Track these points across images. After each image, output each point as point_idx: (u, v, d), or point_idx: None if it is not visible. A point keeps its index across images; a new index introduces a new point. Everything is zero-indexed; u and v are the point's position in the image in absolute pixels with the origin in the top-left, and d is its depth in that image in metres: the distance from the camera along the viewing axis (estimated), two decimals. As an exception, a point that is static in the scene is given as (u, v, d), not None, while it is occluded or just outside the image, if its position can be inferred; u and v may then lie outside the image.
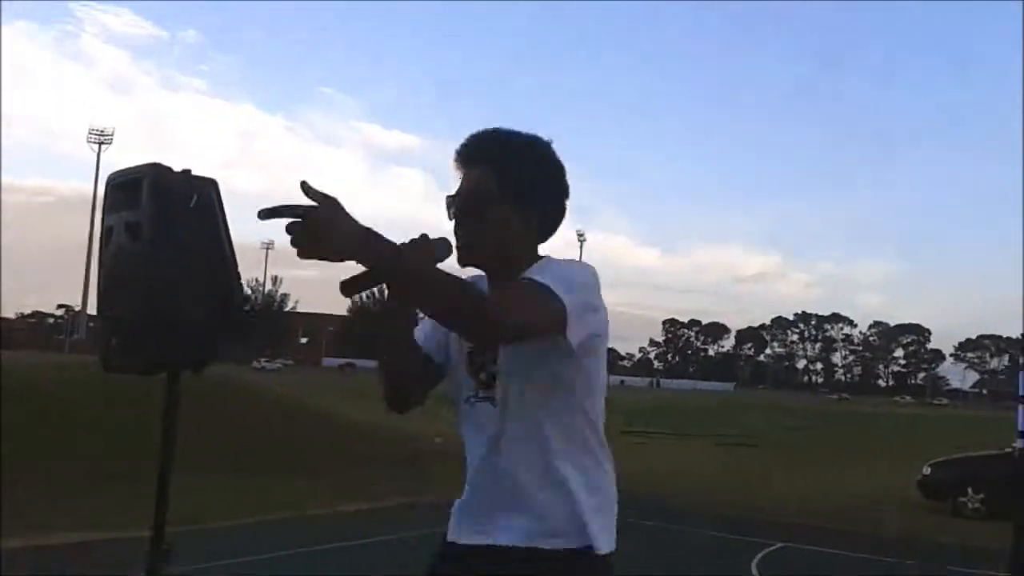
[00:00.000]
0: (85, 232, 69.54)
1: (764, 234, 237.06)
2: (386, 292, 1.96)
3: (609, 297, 2.03)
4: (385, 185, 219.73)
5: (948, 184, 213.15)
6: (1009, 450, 12.17)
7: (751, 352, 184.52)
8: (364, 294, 1.87)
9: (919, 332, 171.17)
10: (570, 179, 2.13)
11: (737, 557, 10.27)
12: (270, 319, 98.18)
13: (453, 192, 2.07)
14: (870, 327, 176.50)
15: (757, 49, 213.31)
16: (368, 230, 1.66)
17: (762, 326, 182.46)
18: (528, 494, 2.00)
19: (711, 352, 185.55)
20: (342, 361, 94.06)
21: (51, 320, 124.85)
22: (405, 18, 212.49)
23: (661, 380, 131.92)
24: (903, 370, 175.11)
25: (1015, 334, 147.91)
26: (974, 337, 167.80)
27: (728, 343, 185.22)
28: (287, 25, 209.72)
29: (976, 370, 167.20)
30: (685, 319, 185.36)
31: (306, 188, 1.65)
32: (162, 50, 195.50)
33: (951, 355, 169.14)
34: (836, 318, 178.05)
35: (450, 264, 1.92)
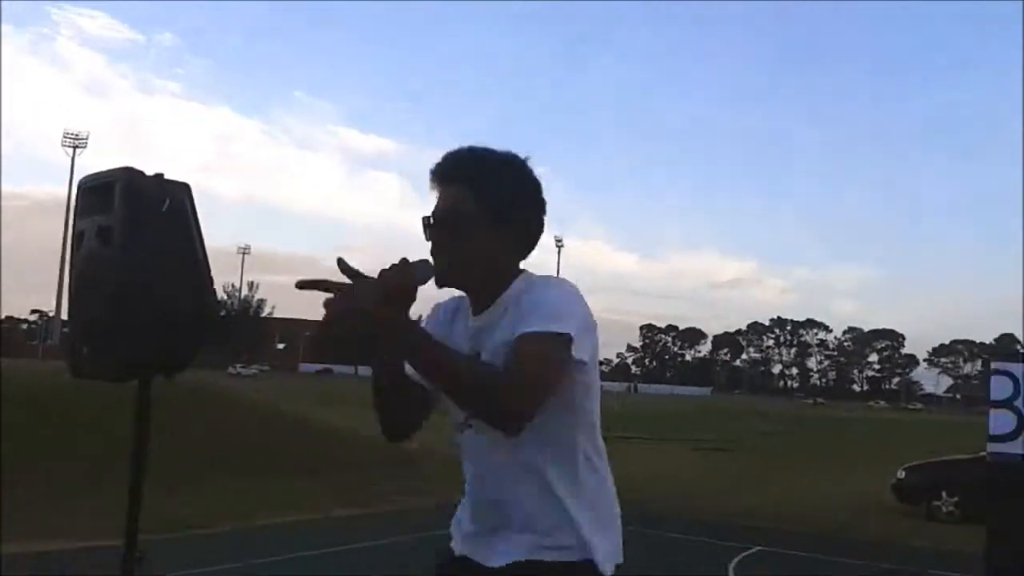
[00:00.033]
0: (59, 237, 69.04)
1: (740, 240, 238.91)
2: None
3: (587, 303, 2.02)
4: (362, 189, 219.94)
5: (923, 191, 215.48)
6: (983, 454, 12.27)
7: (727, 357, 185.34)
8: None
9: (893, 337, 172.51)
10: (548, 182, 2.12)
11: (714, 561, 10.29)
12: (246, 324, 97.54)
13: (429, 212, 2.04)
14: (845, 332, 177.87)
15: (735, 52, 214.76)
16: (396, 313, 1.71)
17: (738, 331, 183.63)
18: (526, 511, 2.00)
19: (688, 357, 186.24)
20: (319, 367, 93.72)
21: (24, 326, 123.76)
22: (382, 23, 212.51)
23: (638, 385, 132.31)
24: (877, 375, 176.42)
25: (988, 339, 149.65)
26: (948, 342, 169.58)
27: (705, 348, 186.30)
28: (263, 29, 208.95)
29: (950, 375, 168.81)
30: (662, 324, 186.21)
31: (343, 266, 1.73)
32: (138, 53, 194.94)
33: (925, 360, 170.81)
34: (811, 323, 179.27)
35: (430, 286, 1.92)
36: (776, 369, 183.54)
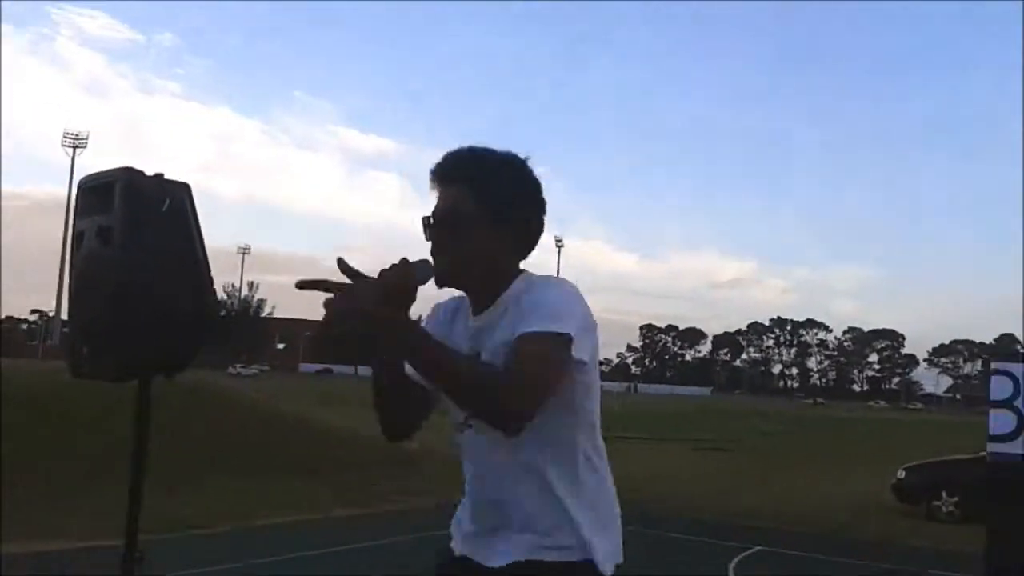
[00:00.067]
0: (59, 237, 69.05)
1: (740, 240, 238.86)
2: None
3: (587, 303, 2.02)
4: (362, 189, 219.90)
5: (923, 191, 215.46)
6: (983, 454, 12.27)
7: (727, 357, 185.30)
8: None
9: (893, 337, 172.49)
10: (548, 182, 2.12)
11: (714, 561, 10.29)
12: (246, 324, 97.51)
13: (429, 212, 2.04)
14: (845, 332, 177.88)
15: (735, 52, 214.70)
16: (396, 313, 1.71)
17: (738, 331, 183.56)
18: (526, 512, 2.00)
19: (688, 357, 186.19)
20: (319, 367, 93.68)
21: (24, 326, 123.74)
22: (382, 23, 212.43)
23: (638, 385, 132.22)
24: (877, 375, 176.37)
25: (988, 339, 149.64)
26: (948, 342, 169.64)
27: (705, 348, 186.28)
28: (263, 29, 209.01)
29: (950, 375, 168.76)
30: (662, 324, 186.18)
31: (343, 266, 1.73)
32: (138, 53, 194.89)
33: (925, 360, 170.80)
34: (811, 323, 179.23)
35: (430, 286, 1.92)
36: (776, 369, 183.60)
